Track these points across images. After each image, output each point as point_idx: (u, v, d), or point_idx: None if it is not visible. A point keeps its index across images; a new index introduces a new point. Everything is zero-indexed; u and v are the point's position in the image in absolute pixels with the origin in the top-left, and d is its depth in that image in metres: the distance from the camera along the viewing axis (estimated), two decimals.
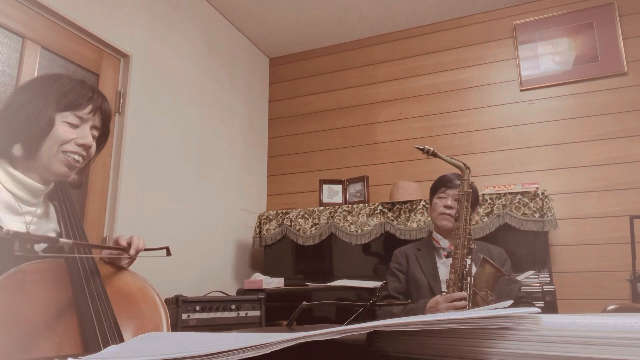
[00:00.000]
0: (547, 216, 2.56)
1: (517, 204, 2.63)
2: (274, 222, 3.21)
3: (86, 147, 1.11)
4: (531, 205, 2.60)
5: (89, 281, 0.97)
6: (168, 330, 1.03)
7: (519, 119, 3.18)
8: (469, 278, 1.66)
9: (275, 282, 2.82)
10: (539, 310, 0.53)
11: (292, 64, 4.00)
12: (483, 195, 2.72)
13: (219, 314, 2.14)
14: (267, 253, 3.23)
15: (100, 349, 0.74)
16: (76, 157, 1.09)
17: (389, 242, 2.88)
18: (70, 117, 1.08)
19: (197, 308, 2.09)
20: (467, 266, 1.67)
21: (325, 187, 3.45)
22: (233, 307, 2.19)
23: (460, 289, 1.65)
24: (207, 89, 3.21)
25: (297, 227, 3.13)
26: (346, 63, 3.80)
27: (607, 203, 2.87)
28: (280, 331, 0.86)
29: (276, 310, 2.47)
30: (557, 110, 3.10)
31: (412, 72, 3.56)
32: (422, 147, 1.65)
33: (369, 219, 2.96)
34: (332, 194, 3.45)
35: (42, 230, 1.11)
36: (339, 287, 2.71)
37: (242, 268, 3.41)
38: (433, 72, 3.49)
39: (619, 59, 2.99)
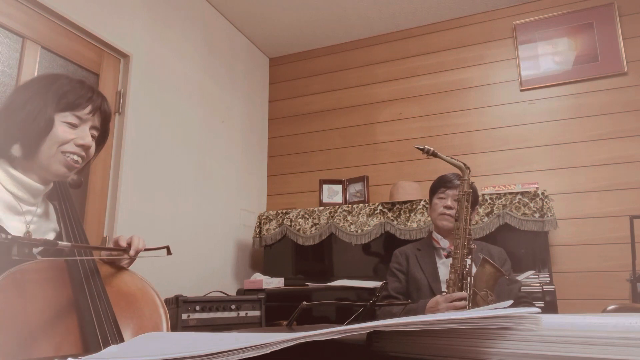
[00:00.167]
0: (547, 216, 2.56)
1: (517, 204, 2.63)
2: (274, 222, 3.21)
3: (85, 148, 1.11)
4: (531, 205, 2.60)
5: (89, 281, 0.97)
6: (168, 330, 1.03)
7: (519, 119, 3.18)
8: (469, 278, 1.66)
9: (275, 282, 2.82)
10: (539, 310, 0.53)
11: (292, 64, 4.00)
12: (483, 195, 2.72)
13: (219, 314, 2.14)
14: (267, 253, 3.23)
15: (100, 349, 0.74)
16: (75, 157, 1.09)
17: (389, 242, 2.88)
18: (69, 117, 1.08)
19: (197, 308, 2.09)
20: (467, 266, 1.67)
21: (325, 187, 3.45)
22: (233, 307, 2.19)
23: (460, 289, 1.65)
24: (207, 89, 3.21)
25: (297, 227, 3.13)
26: (346, 63, 3.80)
27: (607, 203, 2.87)
28: (280, 331, 0.86)
29: (276, 310, 2.47)
30: (557, 110, 3.10)
31: (412, 72, 3.56)
32: (422, 147, 1.65)
33: (369, 219, 2.96)
34: (332, 194, 3.45)
35: (42, 229, 1.11)
36: (339, 287, 2.71)
37: (242, 268, 3.41)
38: (433, 72, 3.49)
39: (619, 59, 2.99)
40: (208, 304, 2.13)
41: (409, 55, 3.60)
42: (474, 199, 1.85)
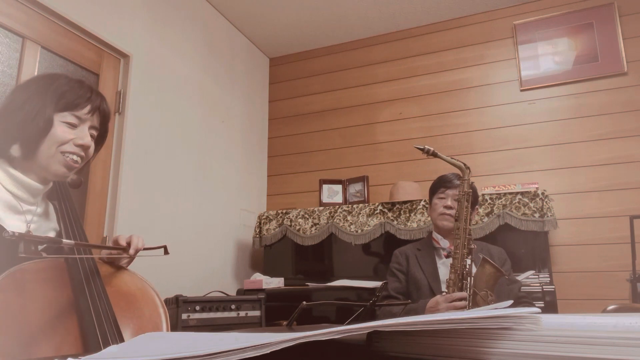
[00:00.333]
0: (547, 216, 2.56)
1: (517, 204, 2.63)
2: (274, 222, 3.21)
3: (85, 148, 1.10)
4: (531, 205, 2.60)
5: (89, 281, 0.97)
6: (167, 330, 1.03)
7: (519, 119, 3.18)
8: (469, 278, 1.66)
9: (275, 282, 2.82)
10: (539, 310, 0.53)
11: (292, 64, 4.00)
12: (483, 195, 2.72)
13: (219, 314, 2.14)
14: (267, 253, 3.23)
15: (100, 349, 0.74)
16: (75, 157, 1.09)
17: (389, 242, 2.88)
18: (68, 117, 1.08)
19: (197, 308, 2.09)
20: (467, 266, 1.67)
21: (325, 187, 3.45)
22: (233, 307, 2.19)
23: (460, 289, 1.65)
24: (207, 89, 3.21)
25: (297, 227, 3.13)
26: (346, 63, 3.80)
27: (607, 203, 2.87)
28: (280, 331, 0.86)
29: (276, 310, 2.47)
30: (557, 110, 3.10)
31: (412, 72, 3.56)
32: (422, 147, 1.65)
33: (369, 219, 2.96)
34: (332, 194, 3.45)
35: (43, 229, 1.12)
36: (339, 287, 2.71)
37: (242, 268, 3.41)
38: (433, 72, 3.49)
39: (619, 59, 2.99)
40: (208, 304, 2.13)
41: (409, 55, 3.60)
42: (474, 199, 1.85)
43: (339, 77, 3.80)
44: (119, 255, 1.11)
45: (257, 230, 3.25)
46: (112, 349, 0.64)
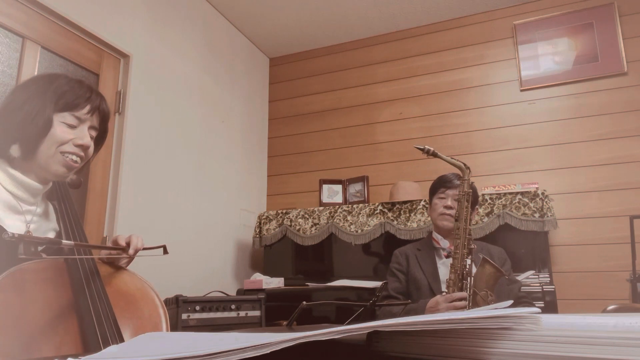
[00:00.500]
0: (547, 216, 2.56)
1: (517, 204, 2.63)
2: (274, 222, 3.21)
3: (84, 148, 1.10)
4: (531, 205, 2.60)
5: (89, 281, 0.97)
6: (167, 330, 1.03)
7: (519, 119, 3.18)
8: (469, 278, 1.65)
9: (275, 282, 2.82)
10: (539, 310, 0.53)
11: (292, 64, 4.00)
12: (483, 195, 2.72)
13: (219, 314, 2.14)
14: (267, 253, 3.23)
15: (100, 349, 0.74)
16: (74, 157, 1.09)
17: (389, 242, 2.88)
18: (68, 117, 1.08)
19: (197, 308, 2.09)
20: (467, 266, 1.67)
21: (325, 187, 3.45)
22: (233, 307, 2.19)
23: (460, 289, 1.65)
24: (207, 88, 3.21)
25: (297, 227, 3.13)
26: (346, 63, 3.80)
27: (607, 203, 2.87)
28: (280, 331, 0.86)
29: (276, 310, 2.47)
30: (557, 110, 3.10)
31: (412, 72, 3.56)
32: (422, 147, 1.65)
33: (369, 219, 2.96)
34: (332, 194, 3.45)
35: (42, 229, 1.11)
36: (339, 287, 2.71)
37: (242, 268, 3.41)
38: (433, 72, 3.49)
39: (619, 59, 2.99)
40: (208, 304, 2.13)
41: (409, 55, 3.60)
42: (474, 199, 1.85)
43: (339, 77, 3.80)
44: (119, 256, 1.11)
45: (257, 230, 3.25)
46: (112, 349, 0.64)
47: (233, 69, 3.55)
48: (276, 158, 3.87)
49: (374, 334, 0.62)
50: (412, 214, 2.86)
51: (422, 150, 1.65)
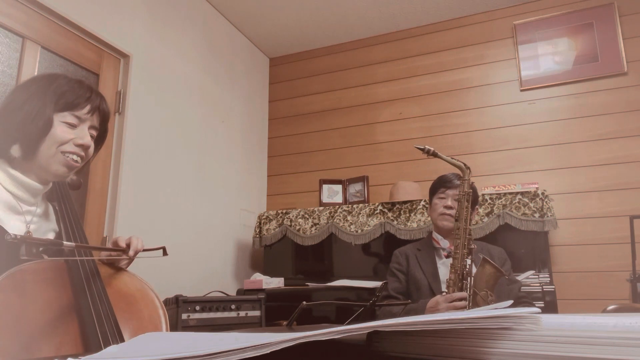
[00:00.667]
0: (547, 216, 2.56)
1: (517, 204, 2.63)
2: (274, 222, 3.21)
3: (85, 148, 1.10)
4: (531, 205, 2.60)
5: (90, 282, 0.97)
6: (167, 331, 1.03)
7: (519, 119, 3.18)
8: (469, 278, 1.65)
9: (275, 282, 2.82)
10: (539, 310, 0.53)
11: (292, 64, 4.00)
12: (483, 195, 2.72)
13: (219, 314, 2.14)
14: (267, 253, 3.23)
15: (101, 350, 0.74)
16: (75, 157, 1.09)
17: (389, 242, 2.88)
18: (68, 117, 1.08)
19: (197, 308, 2.09)
20: (467, 266, 1.67)
21: (325, 187, 3.45)
22: (233, 307, 2.19)
23: (460, 289, 1.65)
24: (207, 88, 3.21)
25: (297, 227, 3.13)
26: (346, 63, 3.80)
27: (607, 203, 2.87)
28: (280, 331, 0.86)
29: (276, 310, 2.47)
30: (557, 110, 3.10)
31: (412, 72, 3.56)
32: (422, 147, 1.65)
33: (369, 219, 2.96)
34: (332, 194, 3.45)
35: (42, 229, 1.11)
36: (339, 287, 2.71)
37: (242, 268, 3.41)
38: (433, 72, 3.49)
39: (619, 59, 2.99)
40: (208, 304, 2.13)
41: (409, 55, 3.60)
42: (474, 199, 1.85)
43: (339, 77, 3.80)
44: (119, 257, 1.11)
45: (257, 230, 3.25)
46: (112, 349, 0.64)
47: (233, 69, 3.55)
48: (276, 158, 3.87)
49: (374, 334, 0.62)
50: (412, 214, 2.86)
51: (422, 150, 1.65)
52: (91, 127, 1.13)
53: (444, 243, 2.00)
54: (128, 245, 1.12)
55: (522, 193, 2.65)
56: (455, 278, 1.67)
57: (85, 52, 2.36)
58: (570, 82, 3.09)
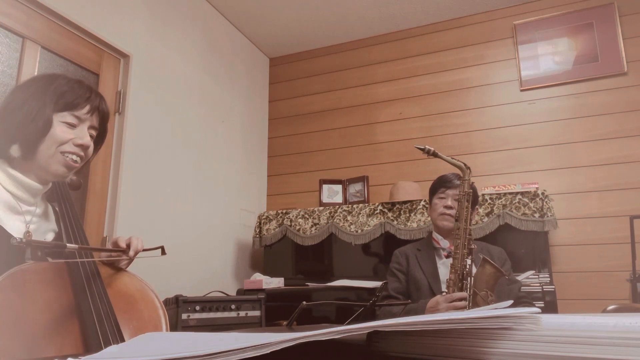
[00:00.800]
0: (547, 216, 2.56)
1: (517, 204, 2.63)
2: (274, 222, 3.21)
3: (84, 148, 1.10)
4: (531, 205, 2.60)
5: (90, 282, 0.97)
6: (167, 331, 1.03)
7: (519, 119, 3.18)
8: (469, 278, 1.65)
9: (275, 282, 2.82)
10: (539, 310, 0.53)
11: (292, 64, 4.00)
12: (483, 195, 2.72)
13: (219, 314, 2.14)
14: (267, 253, 3.23)
15: (102, 350, 0.74)
16: (74, 157, 1.09)
17: (389, 242, 2.88)
18: (68, 117, 1.08)
19: (197, 308, 2.09)
20: (467, 266, 1.67)
21: (325, 187, 3.45)
22: (233, 307, 2.19)
23: (460, 289, 1.65)
24: (207, 88, 3.21)
25: (297, 227, 3.13)
26: (346, 63, 3.80)
27: (607, 203, 2.87)
28: (280, 331, 0.86)
29: (276, 310, 2.46)
30: (557, 110, 3.10)
31: (412, 72, 3.56)
32: (422, 147, 1.65)
33: (369, 219, 2.96)
34: (332, 194, 3.45)
35: (42, 229, 1.12)
36: (339, 287, 2.71)
37: (242, 268, 3.41)
38: (433, 72, 3.49)
39: (619, 59, 2.99)
40: (208, 304, 2.13)
41: (409, 55, 3.60)
42: (474, 199, 1.85)
43: (339, 77, 3.80)
44: (119, 257, 1.11)
45: (257, 230, 3.25)
46: (112, 349, 0.64)
47: (233, 69, 3.55)
48: (276, 158, 3.87)
49: (374, 334, 0.62)
50: (412, 214, 2.86)
51: (422, 150, 1.65)
52: (91, 127, 1.13)
53: (444, 243, 2.00)
54: (128, 246, 1.12)
55: (522, 193, 2.65)
56: (455, 278, 1.67)
57: (85, 52, 2.36)
58: (570, 82, 3.09)
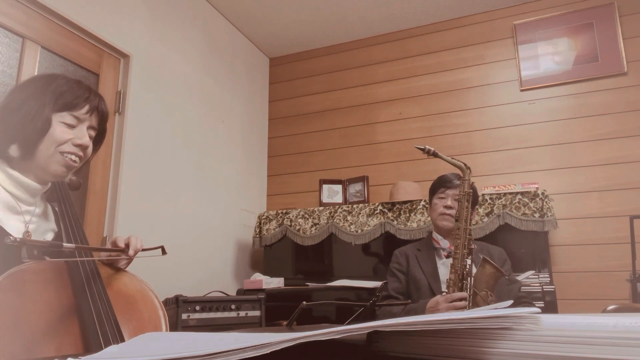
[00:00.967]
0: (547, 216, 2.55)
1: (517, 204, 2.63)
2: (274, 222, 3.21)
3: (83, 148, 1.11)
4: (531, 205, 2.60)
5: (90, 282, 0.97)
6: (167, 331, 1.03)
7: (519, 119, 3.18)
8: (469, 278, 1.65)
9: (275, 282, 2.82)
10: (539, 310, 0.53)
11: (292, 64, 4.00)
12: (483, 195, 2.72)
13: (219, 314, 2.14)
14: (267, 253, 3.23)
15: (101, 350, 0.74)
16: (73, 157, 1.09)
17: (389, 242, 2.88)
18: (67, 117, 1.08)
19: (197, 308, 2.09)
20: (467, 266, 1.67)
21: (325, 187, 3.45)
22: (233, 307, 2.19)
23: (461, 289, 1.65)
24: (207, 88, 3.21)
25: (297, 227, 3.13)
26: (346, 63, 3.80)
27: (607, 203, 2.87)
28: (280, 331, 0.86)
29: (276, 310, 2.47)
30: (557, 110, 3.10)
31: (412, 72, 3.56)
32: (422, 147, 1.65)
33: (369, 219, 2.96)
34: (332, 194, 3.45)
35: (41, 229, 1.12)
36: (339, 287, 2.71)
37: (242, 268, 3.41)
38: (433, 72, 3.49)
39: (619, 59, 2.99)
40: (208, 304, 2.13)
41: (409, 55, 3.60)
42: (474, 199, 1.85)
43: (339, 77, 3.80)
44: (118, 257, 1.11)
45: (257, 230, 3.25)
46: (112, 349, 0.64)
47: (233, 69, 3.55)
48: (276, 158, 3.87)
49: (374, 334, 0.62)
50: (412, 214, 2.86)
51: (422, 150, 1.65)
52: (90, 127, 1.13)
53: (444, 243, 2.00)
54: (127, 245, 1.12)
55: (522, 193, 2.65)
56: (455, 278, 1.67)
57: (85, 52, 2.36)
58: (570, 82, 3.09)
